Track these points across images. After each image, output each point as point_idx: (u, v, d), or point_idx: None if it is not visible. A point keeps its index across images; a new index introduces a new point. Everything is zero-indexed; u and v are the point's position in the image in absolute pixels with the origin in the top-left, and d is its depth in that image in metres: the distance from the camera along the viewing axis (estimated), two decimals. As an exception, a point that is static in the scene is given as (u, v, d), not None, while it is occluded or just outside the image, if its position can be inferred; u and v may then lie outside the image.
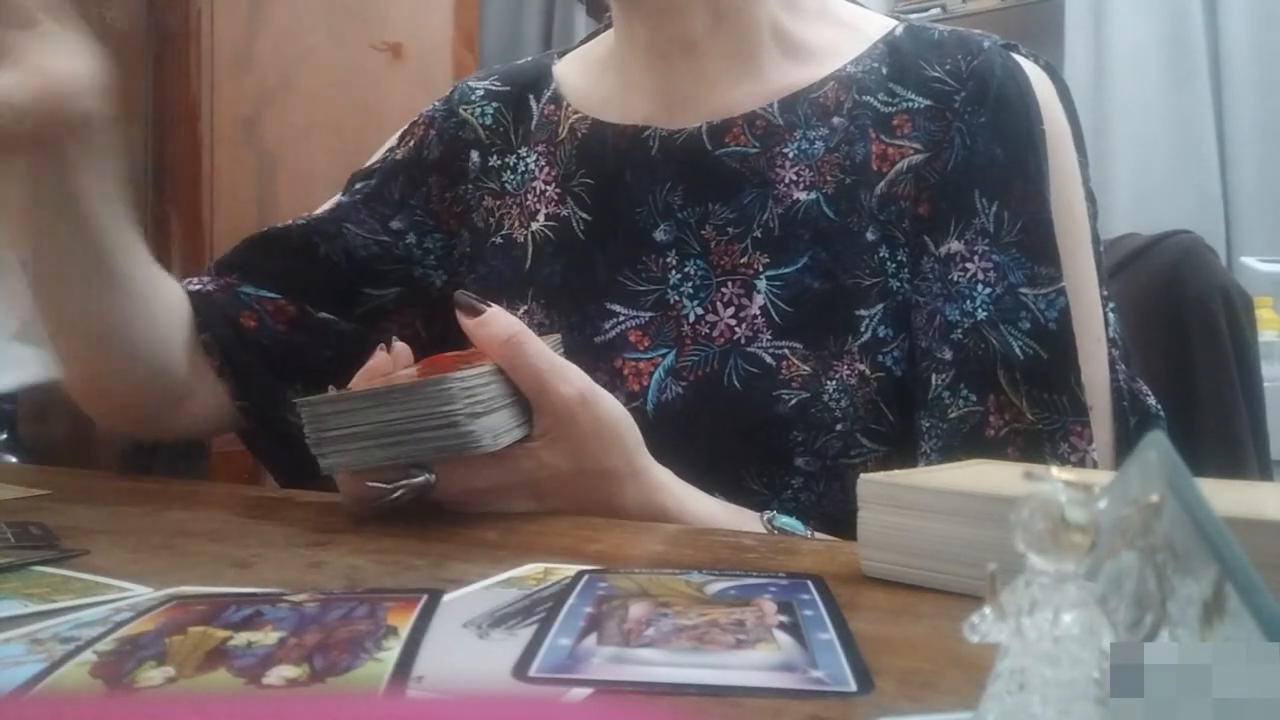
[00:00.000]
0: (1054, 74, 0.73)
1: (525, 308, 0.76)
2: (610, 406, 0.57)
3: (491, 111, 0.84)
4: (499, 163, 0.82)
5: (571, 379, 0.56)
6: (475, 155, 0.83)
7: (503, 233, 0.80)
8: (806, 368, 0.67)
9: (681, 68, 0.75)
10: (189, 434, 0.80)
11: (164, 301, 0.72)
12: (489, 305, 0.57)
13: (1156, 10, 2.15)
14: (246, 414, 0.77)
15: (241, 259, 0.80)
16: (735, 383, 0.68)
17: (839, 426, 0.66)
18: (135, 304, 0.69)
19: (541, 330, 0.73)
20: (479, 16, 2.08)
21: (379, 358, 0.59)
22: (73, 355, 0.68)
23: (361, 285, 0.82)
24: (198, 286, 0.77)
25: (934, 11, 2.54)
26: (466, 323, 0.56)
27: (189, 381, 0.75)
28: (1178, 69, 2.12)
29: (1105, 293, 0.70)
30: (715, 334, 0.70)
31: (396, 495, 0.53)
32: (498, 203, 0.81)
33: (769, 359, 0.68)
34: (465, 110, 0.85)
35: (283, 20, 1.66)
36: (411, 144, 0.86)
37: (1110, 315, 0.70)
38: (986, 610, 0.21)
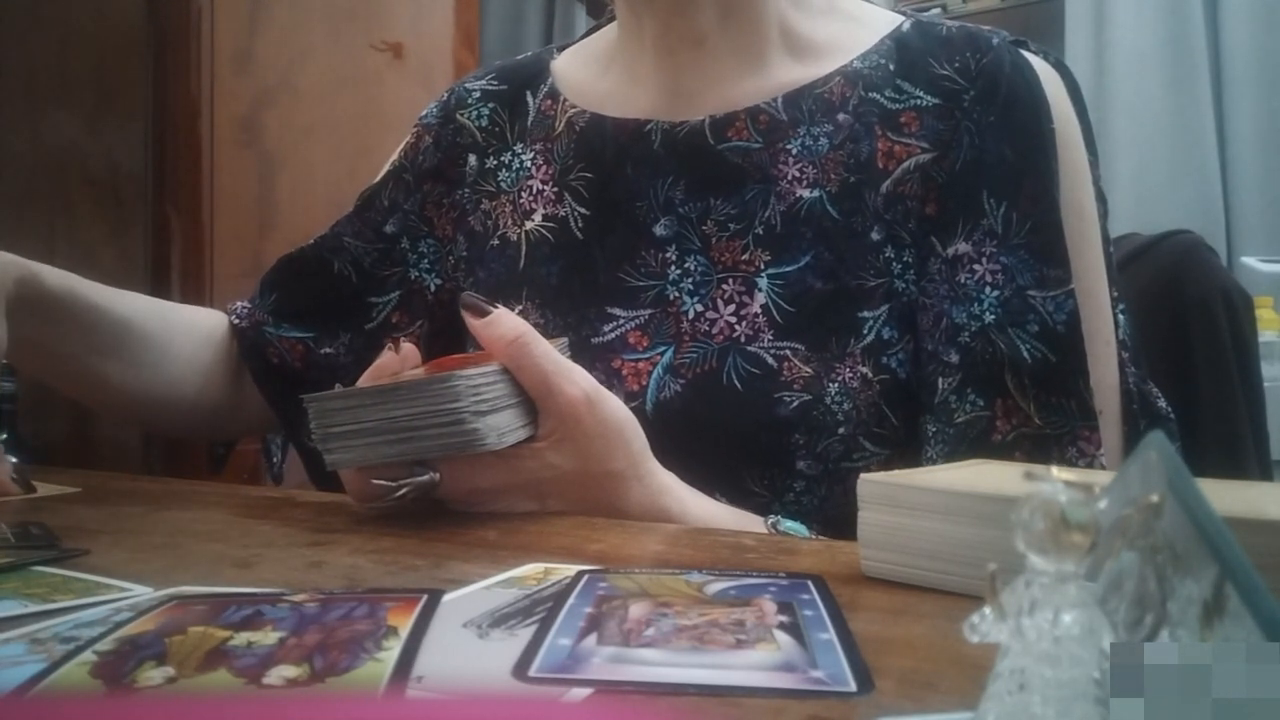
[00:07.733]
0: (1064, 71, 0.72)
1: (520, 308, 0.75)
2: (616, 408, 0.57)
3: (488, 113, 0.84)
4: (495, 162, 0.82)
5: (577, 380, 0.55)
6: (472, 159, 0.83)
7: (499, 233, 0.80)
8: (808, 369, 0.66)
9: (688, 63, 0.74)
10: (250, 433, 0.92)
11: (177, 347, 0.80)
12: (496, 306, 0.57)
13: (1157, 10, 2.15)
14: (287, 426, 0.86)
15: (275, 279, 0.87)
16: (736, 383, 0.67)
17: (841, 430, 0.65)
18: (138, 369, 0.77)
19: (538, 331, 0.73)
20: (479, 16, 2.08)
21: (387, 356, 0.59)
22: (103, 410, 0.83)
23: (368, 295, 0.84)
24: (236, 321, 0.85)
25: (934, 11, 2.54)
26: (473, 323, 0.56)
27: (236, 396, 0.84)
28: (1178, 69, 2.12)
29: (1116, 294, 0.69)
30: (714, 331, 0.69)
31: (401, 493, 0.53)
32: (494, 204, 0.81)
33: (770, 359, 0.67)
34: (462, 115, 0.85)
35: (283, 20, 1.66)
36: (406, 150, 0.87)
37: (1120, 317, 0.69)
38: (986, 610, 0.21)
